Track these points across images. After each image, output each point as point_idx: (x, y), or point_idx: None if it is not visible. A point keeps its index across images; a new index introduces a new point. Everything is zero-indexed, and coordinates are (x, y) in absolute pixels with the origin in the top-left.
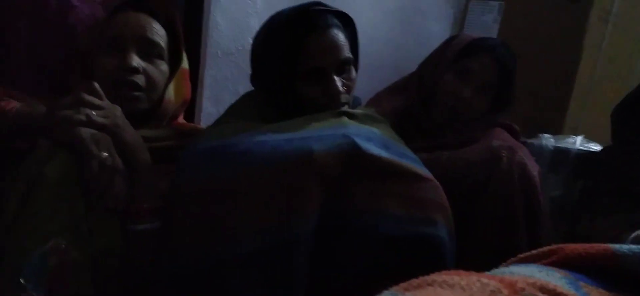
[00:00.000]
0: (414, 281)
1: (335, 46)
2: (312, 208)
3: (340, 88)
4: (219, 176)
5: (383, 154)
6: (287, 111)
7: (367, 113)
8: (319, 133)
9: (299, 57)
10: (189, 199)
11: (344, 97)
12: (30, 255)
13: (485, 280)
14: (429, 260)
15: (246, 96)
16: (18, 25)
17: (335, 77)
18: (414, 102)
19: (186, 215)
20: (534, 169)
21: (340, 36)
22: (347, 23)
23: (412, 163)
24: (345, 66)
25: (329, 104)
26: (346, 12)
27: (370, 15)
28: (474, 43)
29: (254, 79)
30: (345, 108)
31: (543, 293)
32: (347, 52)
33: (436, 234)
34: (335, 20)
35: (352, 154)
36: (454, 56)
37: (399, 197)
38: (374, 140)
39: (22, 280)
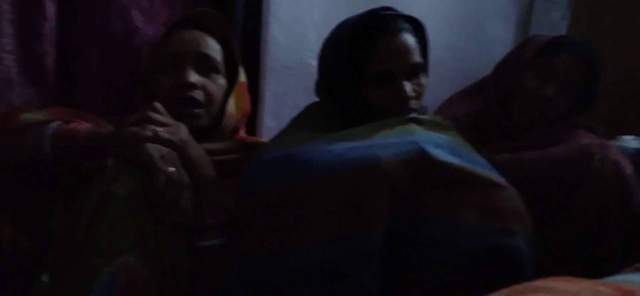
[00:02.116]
0: (518, 287)
1: (405, 50)
2: (381, 218)
3: (410, 93)
4: (284, 186)
5: (454, 161)
6: (354, 119)
7: (435, 120)
8: (386, 141)
9: (367, 62)
10: (254, 210)
11: (413, 103)
12: (100, 272)
13: (600, 287)
14: (507, 272)
15: (310, 107)
16: (88, 51)
17: (405, 82)
18: (491, 104)
19: (252, 225)
20: (627, 167)
21: (411, 40)
22: (417, 28)
23: (485, 170)
24: (416, 71)
25: (397, 110)
26: None
27: (430, 20)
28: (556, 40)
29: (319, 86)
30: (414, 115)
31: None
32: (417, 57)
33: (514, 245)
34: (406, 25)
35: (422, 161)
36: (534, 54)
37: (473, 206)
38: (444, 147)
39: None
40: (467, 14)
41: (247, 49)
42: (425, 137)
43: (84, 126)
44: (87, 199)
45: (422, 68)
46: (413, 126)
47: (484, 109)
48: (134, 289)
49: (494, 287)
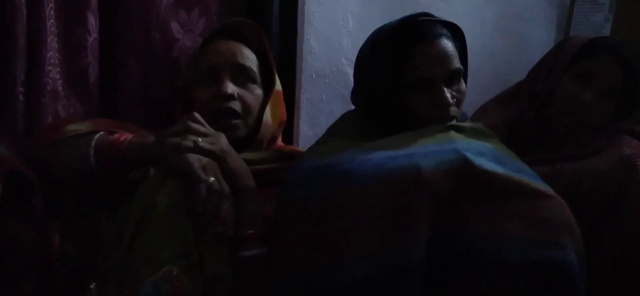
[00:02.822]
0: None
1: (444, 56)
2: (423, 230)
3: (450, 100)
4: (323, 196)
5: (498, 170)
6: (391, 127)
7: (476, 127)
8: (426, 149)
9: (406, 68)
10: (295, 220)
11: (453, 110)
12: (144, 282)
13: None
14: (558, 287)
15: (346, 115)
16: (129, 63)
17: (444, 88)
18: (526, 112)
19: (293, 237)
20: None
21: (450, 46)
22: (456, 34)
23: (532, 179)
24: (455, 77)
25: (437, 117)
26: None
27: (468, 24)
28: (593, 43)
29: (356, 94)
30: (454, 122)
31: None
32: (457, 63)
33: (565, 258)
34: (445, 30)
35: (464, 170)
36: (571, 59)
37: (520, 218)
38: (487, 155)
39: None
40: (505, 17)
41: (283, 57)
42: (467, 145)
43: (126, 136)
44: (131, 209)
45: (461, 74)
46: (453, 134)
47: (519, 117)
48: None
49: None
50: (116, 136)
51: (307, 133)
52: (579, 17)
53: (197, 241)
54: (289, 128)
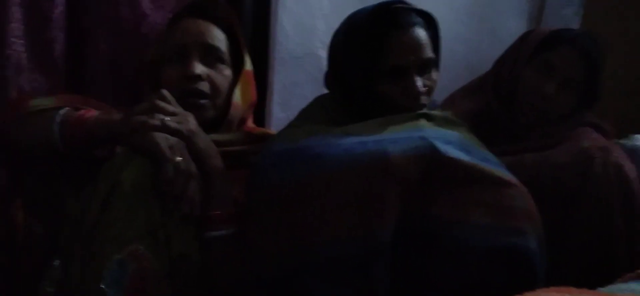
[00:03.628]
0: None
1: (418, 45)
2: (390, 214)
3: (421, 88)
4: (294, 180)
5: (464, 158)
6: (363, 112)
7: (445, 116)
8: (394, 136)
9: (380, 55)
10: (266, 203)
11: (424, 99)
12: (110, 260)
13: None
14: (518, 272)
15: (318, 100)
16: (96, 37)
17: (417, 77)
18: (491, 102)
19: (265, 219)
20: (631, 171)
21: (424, 35)
22: (430, 23)
23: (496, 167)
24: (427, 66)
25: (408, 105)
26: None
27: (441, 13)
28: (555, 35)
29: (330, 79)
30: (424, 110)
31: None
32: (430, 52)
33: (526, 245)
34: (419, 19)
35: (431, 157)
36: (533, 50)
37: (484, 205)
38: (454, 143)
39: (102, 286)
40: (479, 7)
41: (256, 39)
42: (435, 133)
43: (92, 113)
44: (97, 187)
45: (433, 63)
46: (423, 122)
47: (485, 107)
48: (144, 278)
49: (505, 287)
50: (82, 112)
51: (280, 116)
52: (550, 9)
53: (163, 220)
54: (261, 110)
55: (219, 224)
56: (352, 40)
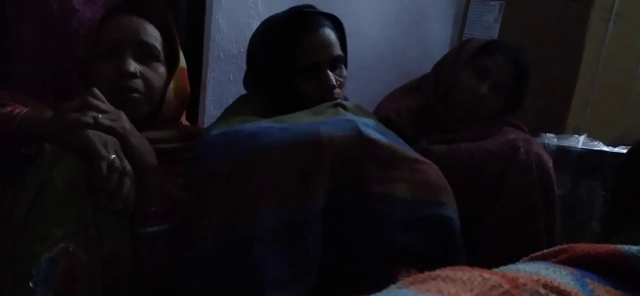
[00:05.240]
0: (420, 276)
1: (328, 44)
2: (323, 187)
3: (334, 82)
4: (232, 158)
5: (383, 139)
6: (283, 108)
7: (357, 105)
8: (324, 120)
9: (294, 55)
10: (207, 182)
11: (337, 93)
12: (39, 258)
13: (487, 275)
14: (441, 239)
15: (242, 98)
16: (22, 30)
17: (329, 72)
18: (431, 99)
19: (207, 198)
20: (548, 160)
21: (332, 35)
22: (337, 25)
23: (408, 148)
24: (337, 63)
25: (323, 97)
26: (345, 14)
27: (371, 17)
28: (491, 44)
29: (249, 80)
30: (339, 100)
31: (545, 289)
32: (338, 50)
33: (445, 214)
34: (327, 22)
35: (358, 138)
36: (471, 55)
37: (405, 181)
38: (371, 127)
39: (31, 284)
40: (406, 12)
41: (191, 36)
42: (356, 118)
43: (20, 109)
44: (25, 185)
45: (342, 61)
46: (341, 110)
47: (424, 104)
48: (74, 276)
49: (430, 254)
50: (9, 108)
51: (213, 113)
52: (473, 15)
53: (95, 217)
54: (195, 108)
55: (152, 221)
56: (268, 43)
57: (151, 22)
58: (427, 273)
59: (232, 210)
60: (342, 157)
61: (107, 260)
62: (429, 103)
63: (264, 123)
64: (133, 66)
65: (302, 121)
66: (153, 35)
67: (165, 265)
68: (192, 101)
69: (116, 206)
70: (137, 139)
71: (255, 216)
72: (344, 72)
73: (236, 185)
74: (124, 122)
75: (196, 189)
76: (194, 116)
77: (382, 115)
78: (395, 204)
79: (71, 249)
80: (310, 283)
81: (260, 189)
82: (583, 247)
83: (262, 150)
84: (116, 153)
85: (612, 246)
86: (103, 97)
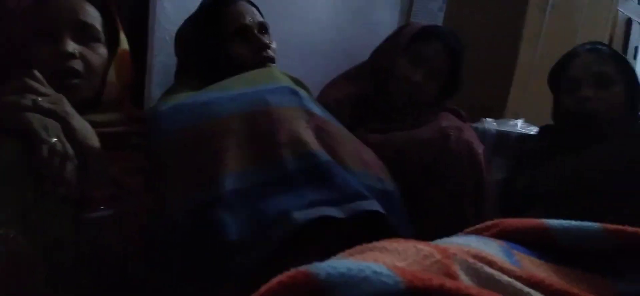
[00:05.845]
0: (358, 248)
1: (251, 11)
2: (278, 150)
3: (265, 41)
4: (190, 126)
5: (323, 115)
6: (220, 78)
7: (292, 76)
8: (268, 87)
9: (222, 24)
10: (168, 152)
11: (270, 51)
12: None
13: (420, 246)
14: (387, 211)
15: (178, 81)
16: None
17: (259, 34)
18: (368, 87)
19: (169, 166)
20: (479, 147)
21: (251, 6)
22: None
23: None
24: (264, 29)
25: (258, 59)
26: (298, 2)
27: (321, 4)
28: (426, 30)
29: (184, 60)
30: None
31: (474, 259)
32: (260, 17)
33: (390, 189)
34: None
35: (303, 110)
36: (407, 42)
37: (349, 155)
38: (308, 100)
39: None
40: (356, 1)
41: (135, 18)
42: (299, 90)
43: None
44: None
45: (267, 28)
46: (276, 71)
47: (363, 91)
48: (16, 262)
49: (377, 226)
50: None
51: (158, 96)
52: (419, 4)
53: (37, 203)
54: (140, 91)
55: (96, 205)
56: (199, 18)
57: (90, 2)
58: (364, 245)
59: (196, 175)
60: (292, 128)
61: (49, 246)
62: (367, 91)
63: (212, 93)
64: (72, 47)
65: (247, 88)
66: (92, 15)
67: (111, 251)
68: (137, 84)
69: (59, 191)
70: (79, 122)
71: (216, 181)
72: (272, 40)
73: (196, 152)
74: (65, 105)
75: (158, 157)
76: (139, 100)
77: (324, 101)
78: (345, 171)
79: (11, 235)
80: (274, 246)
81: (219, 155)
82: (512, 222)
83: (217, 119)
84: (57, 137)
85: (538, 221)
86: (43, 79)
